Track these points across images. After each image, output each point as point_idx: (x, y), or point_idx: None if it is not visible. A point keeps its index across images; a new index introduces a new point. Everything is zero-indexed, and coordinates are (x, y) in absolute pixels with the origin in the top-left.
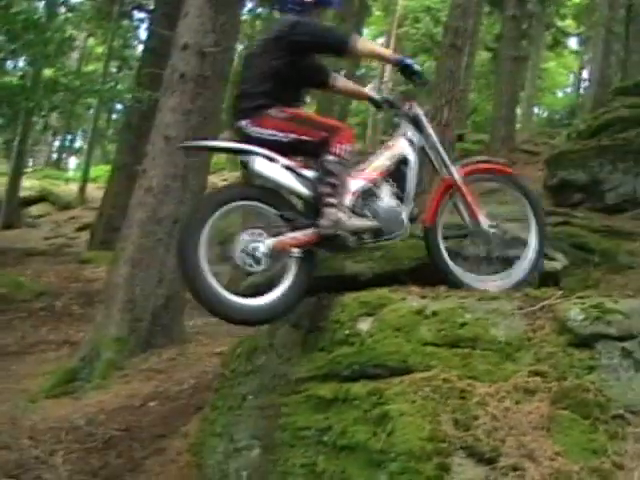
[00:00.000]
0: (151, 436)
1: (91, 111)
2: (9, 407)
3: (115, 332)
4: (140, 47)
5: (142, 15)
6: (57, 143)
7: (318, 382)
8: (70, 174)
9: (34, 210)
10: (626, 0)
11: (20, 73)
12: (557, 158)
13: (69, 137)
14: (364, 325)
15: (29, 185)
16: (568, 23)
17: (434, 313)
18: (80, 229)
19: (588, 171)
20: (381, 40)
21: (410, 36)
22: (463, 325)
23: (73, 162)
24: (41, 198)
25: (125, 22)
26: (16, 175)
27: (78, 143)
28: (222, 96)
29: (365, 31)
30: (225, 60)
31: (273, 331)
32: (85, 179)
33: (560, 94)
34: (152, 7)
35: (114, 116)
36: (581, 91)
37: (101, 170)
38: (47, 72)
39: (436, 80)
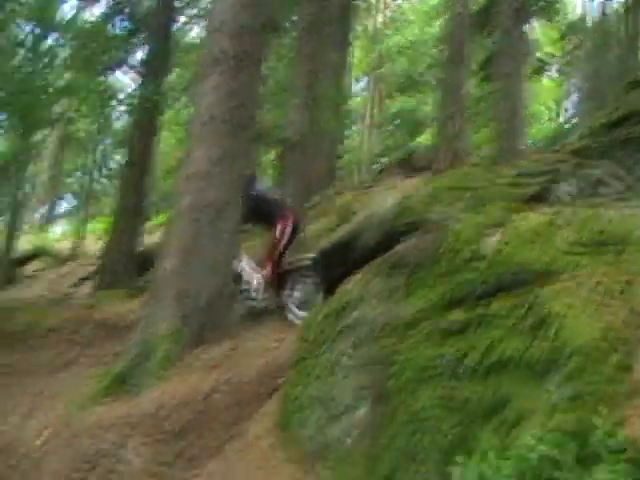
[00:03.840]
0: (224, 423)
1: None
2: (63, 412)
3: (168, 326)
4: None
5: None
6: (42, 210)
7: (438, 315)
8: (60, 234)
9: (29, 267)
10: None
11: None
12: (579, 151)
13: (56, 201)
14: (491, 242)
15: (23, 242)
16: (548, 50)
17: (567, 223)
18: (76, 284)
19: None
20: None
21: (388, 77)
22: (602, 231)
23: (60, 225)
24: (36, 254)
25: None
26: (11, 234)
27: (64, 206)
28: (259, 76)
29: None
30: (260, 40)
31: (364, 285)
32: (80, 234)
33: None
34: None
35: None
36: (561, 120)
37: (97, 224)
38: None
39: (438, 96)
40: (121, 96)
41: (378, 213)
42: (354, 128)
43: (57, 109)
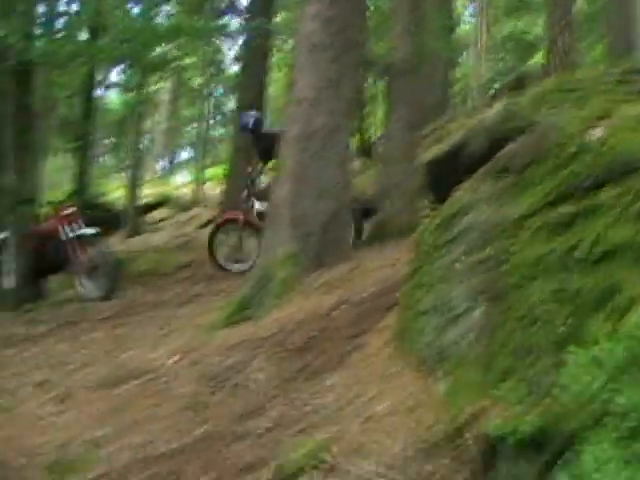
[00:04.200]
0: (345, 337)
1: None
2: (190, 337)
3: (285, 250)
4: None
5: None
6: (163, 160)
7: (547, 211)
8: (181, 182)
9: (155, 215)
10: None
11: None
12: None
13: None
14: (596, 133)
15: (147, 192)
16: None
17: None
18: (202, 226)
19: None
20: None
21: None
22: None
23: (181, 173)
24: (160, 202)
25: None
26: (134, 184)
27: (183, 155)
28: (360, 2)
29: None
30: None
31: (473, 190)
32: (200, 181)
33: None
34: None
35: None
36: None
37: (214, 172)
38: None
39: (548, 14)
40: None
41: (484, 120)
42: (465, 55)
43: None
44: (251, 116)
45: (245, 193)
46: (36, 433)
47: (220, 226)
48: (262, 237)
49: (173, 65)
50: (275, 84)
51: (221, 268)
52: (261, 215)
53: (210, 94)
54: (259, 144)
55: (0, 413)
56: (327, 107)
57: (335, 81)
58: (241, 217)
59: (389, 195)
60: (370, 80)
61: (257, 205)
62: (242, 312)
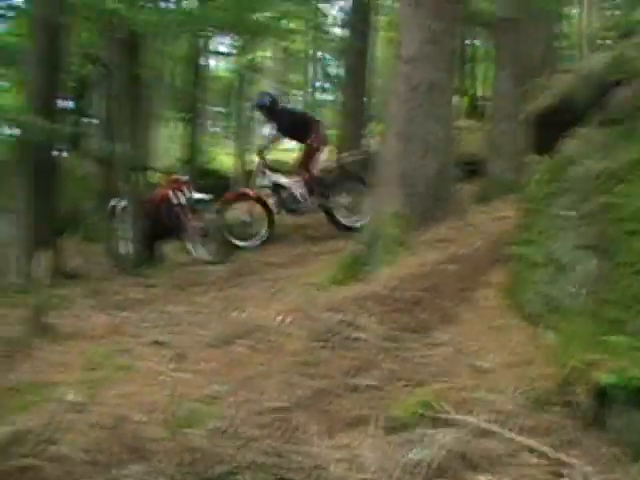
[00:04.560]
0: (453, 291)
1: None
2: (301, 295)
3: (393, 208)
4: None
5: None
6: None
7: None
8: (290, 148)
9: None
10: None
11: None
12: None
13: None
14: None
15: (253, 159)
16: None
17: None
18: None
19: None
20: None
21: None
22: None
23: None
24: None
25: None
26: (242, 151)
27: None
28: None
29: None
30: None
31: (580, 141)
32: None
33: None
34: None
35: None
36: None
37: None
38: None
39: None
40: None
41: (593, 69)
42: (573, 10)
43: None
44: (266, 95)
45: (260, 165)
46: (154, 390)
47: (232, 201)
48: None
49: (278, 30)
50: (381, 45)
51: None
52: (276, 186)
53: (316, 59)
54: (275, 120)
55: (120, 371)
56: (430, 63)
57: (437, 37)
58: (252, 193)
59: (496, 153)
60: (473, 37)
61: (272, 177)
62: (352, 270)
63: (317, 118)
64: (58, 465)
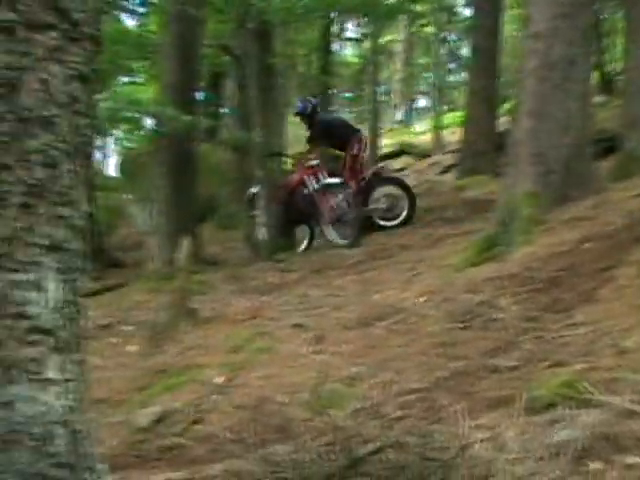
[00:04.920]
0: (592, 270)
1: None
2: (438, 277)
3: (528, 187)
4: None
5: None
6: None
7: None
8: (420, 130)
9: (395, 164)
10: None
11: None
12: None
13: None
14: None
15: (386, 142)
16: None
17: None
18: (442, 172)
19: None
20: None
21: None
22: None
23: (419, 121)
24: (400, 152)
25: None
26: (374, 135)
27: (421, 104)
28: None
29: None
30: None
31: None
32: (439, 126)
33: None
34: None
35: None
36: None
37: (451, 118)
38: None
39: None
40: None
41: None
42: None
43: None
44: (307, 102)
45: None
46: (294, 372)
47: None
48: None
49: (407, 13)
50: (509, 24)
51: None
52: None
53: (444, 40)
54: (312, 128)
55: (261, 354)
56: (564, 38)
57: (571, 11)
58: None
59: (631, 128)
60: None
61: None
62: (487, 251)
63: (357, 127)
64: (205, 444)
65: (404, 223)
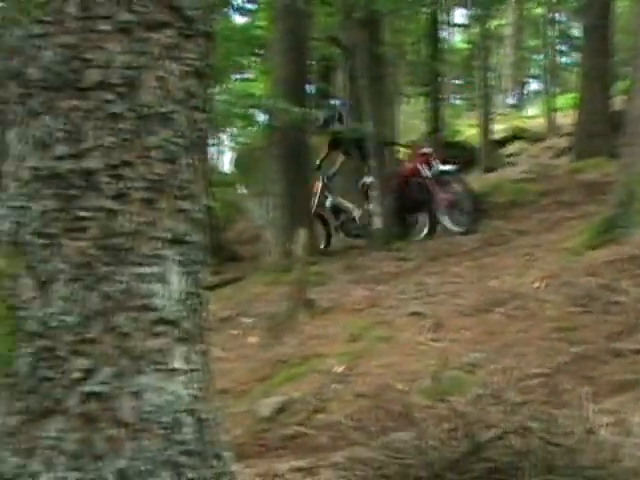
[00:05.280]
0: None
1: None
2: (556, 261)
3: None
4: None
5: None
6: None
7: None
8: (532, 114)
9: (508, 149)
10: None
11: None
12: None
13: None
14: None
15: (498, 128)
16: None
17: None
18: (557, 156)
19: None
20: None
21: None
22: None
23: (532, 105)
24: (513, 136)
25: None
26: (486, 121)
27: (532, 87)
28: None
29: None
30: None
31: None
32: (551, 109)
33: None
34: None
35: None
36: None
37: (564, 101)
38: None
39: None
40: None
41: None
42: None
43: None
44: (331, 111)
45: (320, 186)
46: (413, 359)
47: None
48: None
49: None
50: (621, 0)
51: None
52: (335, 208)
53: (554, 21)
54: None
55: (380, 342)
56: None
57: None
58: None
59: None
60: None
61: (330, 199)
62: (605, 233)
63: None
64: (327, 432)
65: None
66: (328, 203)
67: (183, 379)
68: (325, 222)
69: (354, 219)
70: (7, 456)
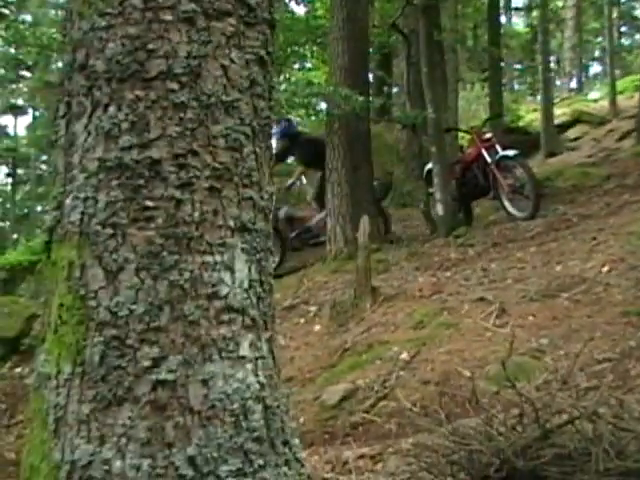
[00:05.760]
0: None
1: None
2: (620, 247)
3: None
4: None
5: None
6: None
7: None
8: (594, 98)
9: (570, 133)
10: None
11: None
12: None
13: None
14: None
15: (560, 112)
16: None
17: None
18: (621, 139)
19: None
20: None
21: None
22: None
23: (593, 88)
24: (575, 121)
25: None
26: (547, 105)
27: (595, 70)
28: None
29: None
30: None
31: None
32: (614, 92)
33: None
34: None
35: None
36: None
37: (627, 83)
38: None
39: None
40: None
41: None
42: None
43: None
44: (285, 122)
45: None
46: (479, 346)
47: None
48: None
49: None
50: None
51: None
52: (290, 219)
53: (615, 2)
54: (296, 150)
55: (445, 329)
56: None
57: None
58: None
59: None
60: None
61: (284, 210)
62: None
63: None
64: (394, 419)
65: None
66: (282, 214)
67: (251, 366)
68: (279, 234)
69: (309, 228)
70: (80, 443)
